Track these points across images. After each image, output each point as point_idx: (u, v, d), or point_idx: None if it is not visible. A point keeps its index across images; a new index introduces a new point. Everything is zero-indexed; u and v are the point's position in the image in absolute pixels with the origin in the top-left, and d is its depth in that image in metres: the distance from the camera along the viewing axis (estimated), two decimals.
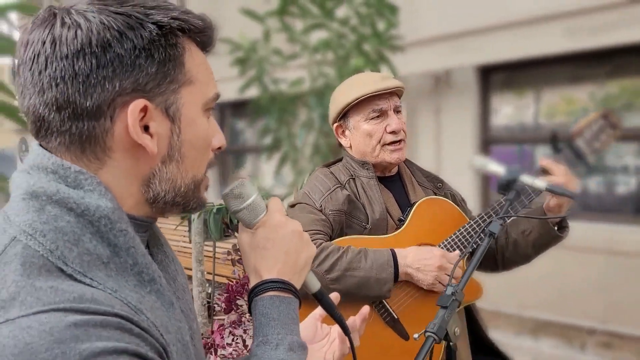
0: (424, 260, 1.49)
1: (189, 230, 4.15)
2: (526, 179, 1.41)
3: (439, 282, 1.50)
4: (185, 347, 0.69)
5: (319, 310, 1.08)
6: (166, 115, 0.67)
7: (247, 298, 0.81)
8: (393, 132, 1.58)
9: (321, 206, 1.53)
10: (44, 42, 0.61)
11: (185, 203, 0.72)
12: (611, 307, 4.61)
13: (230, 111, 7.95)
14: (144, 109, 0.64)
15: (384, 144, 1.58)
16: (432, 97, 5.78)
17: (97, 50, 0.61)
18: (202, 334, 3.21)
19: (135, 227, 0.67)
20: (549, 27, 4.62)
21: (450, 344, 1.12)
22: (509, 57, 5.00)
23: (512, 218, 1.62)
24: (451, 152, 5.47)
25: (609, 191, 5.22)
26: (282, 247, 0.79)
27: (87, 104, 0.62)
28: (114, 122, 0.64)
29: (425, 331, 1.04)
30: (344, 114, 1.62)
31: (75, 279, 0.58)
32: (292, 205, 1.61)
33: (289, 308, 0.77)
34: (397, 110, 1.61)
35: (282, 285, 0.77)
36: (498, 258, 1.71)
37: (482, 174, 1.57)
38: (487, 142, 5.64)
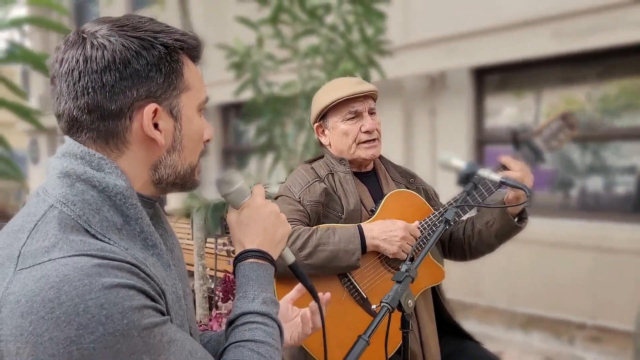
0: (389, 232, 1.63)
1: (192, 227, 4.32)
2: (483, 172, 1.55)
3: (403, 251, 1.64)
4: (178, 299, 0.87)
5: (291, 294, 1.28)
6: (171, 115, 0.86)
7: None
8: (367, 132, 1.72)
9: (300, 198, 1.69)
10: (78, 60, 0.80)
11: (182, 184, 0.92)
12: (600, 302, 4.71)
13: (233, 112, 8.13)
14: (155, 111, 0.83)
15: (359, 142, 1.73)
16: (427, 99, 5.89)
17: (120, 66, 0.80)
18: (200, 321, 3.38)
19: (142, 203, 0.86)
20: (538, 30, 4.72)
21: (405, 314, 1.27)
22: (502, 59, 5.11)
23: (472, 207, 1.74)
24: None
25: (605, 191, 5.30)
26: (261, 223, 0.99)
27: (112, 108, 0.81)
28: (132, 121, 0.83)
29: (381, 302, 1.18)
30: (323, 115, 1.77)
31: (97, 238, 0.77)
32: (276, 197, 1.77)
33: (266, 272, 0.97)
34: (371, 112, 1.75)
35: (261, 254, 0.97)
36: (465, 247, 1.85)
37: (447, 168, 1.69)
38: (482, 142, 5.75)
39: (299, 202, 1.69)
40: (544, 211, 5.15)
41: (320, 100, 1.76)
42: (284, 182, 1.84)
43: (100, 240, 0.77)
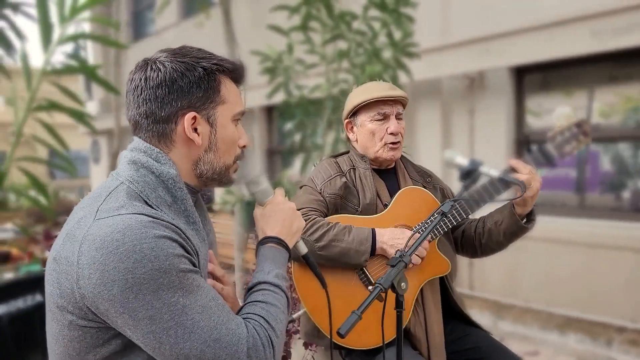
0: (396, 239, 1.77)
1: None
2: (483, 168, 1.65)
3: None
4: (206, 268, 1.12)
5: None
6: (207, 122, 1.11)
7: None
8: (392, 134, 1.87)
9: (321, 189, 1.85)
10: (141, 79, 1.08)
11: (219, 179, 1.16)
12: None
13: (277, 114, 8.36)
14: (194, 118, 1.08)
15: (385, 143, 1.88)
16: (466, 99, 5.87)
17: (169, 84, 1.06)
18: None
19: (188, 190, 1.11)
20: (576, 29, 4.65)
21: (398, 295, 1.38)
22: (542, 57, 5.05)
23: (476, 205, 1.81)
24: (484, 153, 5.52)
25: None
26: (281, 216, 1.23)
27: (162, 114, 1.07)
28: (176, 125, 1.08)
29: (376, 283, 1.31)
30: (354, 112, 1.94)
31: (152, 208, 1.03)
32: (301, 187, 1.95)
33: (281, 255, 1.19)
34: (398, 117, 1.90)
35: (278, 241, 1.20)
36: (476, 244, 1.95)
37: (451, 165, 1.77)
38: (522, 143, 5.65)
39: (320, 193, 1.85)
40: (585, 212, 5.07)
41: (353, 99, 1.93)
42: (308, 175, 2.01)
43: (155, 209, 1.03)
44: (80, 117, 2.02)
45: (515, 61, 5.25)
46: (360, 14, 3.37)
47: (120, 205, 1.00)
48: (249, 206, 3.33)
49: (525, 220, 1.82)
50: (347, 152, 2.01)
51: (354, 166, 1.92)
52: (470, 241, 1.98)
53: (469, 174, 1.66)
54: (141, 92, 1.07)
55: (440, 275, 1.90)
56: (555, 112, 5.95)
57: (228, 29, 3.82)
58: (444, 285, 1.94)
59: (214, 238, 1.28)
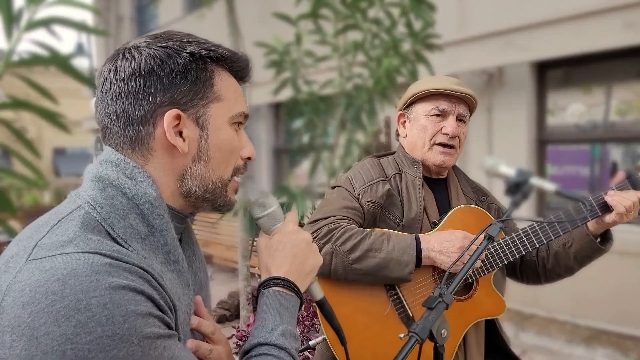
0: (445, 242, 1.47)
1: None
2: (535, 181, 1.37)
3: (462, 263, 1.48)
4: (188, 325, 0.85)
5: None
6: (196, 124, 0.84)
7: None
8: (447, 135, 1.58)
9: (359, 194, 1.55)
10: (110, 71, 0.83)
11: (213, 200, 0.89)
12: None
13: (285, 111, 8.12)
14: (178, 117, 0.82)
15: (435, 143, 1.59)
16: (484, 95, 5.61)
17: (144, 74, 0.81)
18: (238, 327, 3.33)
19: (171, 216, 0.85)
20: (607, 21, 4.38)
21: (437, 345, 1.12)
22: (567, 52, 4.78)
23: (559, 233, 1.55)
24: (503, 152, 5.29)
25: None
26: (291, 250, 0.94)
27: (136, 114, 0.82)
28: (155, 128, 0.83)
29: (409, 331, 1.04)
30: (410, 104, 1.65)
31: (117, 242, 0.77)
32: (333, 187, 1.64)
33: (289, 303, 0.91)
34: (460, 119, 1.60)
35: (287, 284, 0.92)
36: (539, 271, 1.67)
37: (493, 176, 1.50)
38: (543, 142, 5.42)
39: (357, 198, 1.55)
40: None
41: (412, 89, 1.64)
42: (344, 174, 1.71)
43: (120, 245, 0.77)
44: (51, 117, 1.78)
45: (539, 55, 4.99)
46: (377, 0, 3.06)
47: (68, 239, 0.74)
48: None
49: (599, 239, 1.54)
50: (393, 153, 1.71)
51: (400, 171, 1.62)
52: (532, 267, 1.68)
53: (518, 187, 1.38)
54: (110, 86, 0.83)
55: (493, 317, 1.60)
56: (568, 109, 5.69)
57: (231, 20, 3.52)
58: (490, 327, 1.65)
59: (206, 278, 0.98)
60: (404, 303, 1.51)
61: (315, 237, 1.47)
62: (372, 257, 1.44)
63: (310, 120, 3.29)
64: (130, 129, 0.83)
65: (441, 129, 1.58)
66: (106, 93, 0.83)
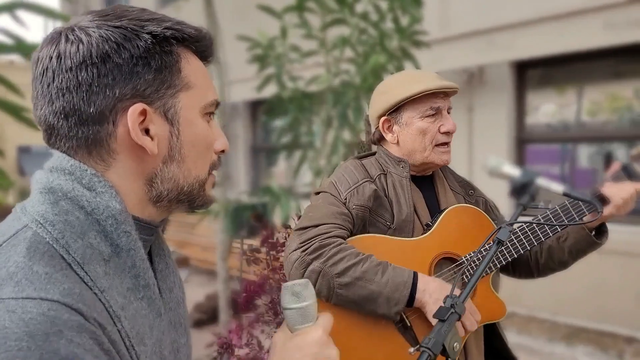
0: (445, 293, 1.35)
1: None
2: (542, 182, 1.31)
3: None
4: (162, 359, 0.72)
5: None
6: (165, 119, 0.71)
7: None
8: (446, 133, 1.51)
9: (345, 199, 1.47)
10: (51, 58, 0.68)
11: (190, 201, 0.77)
12: None
13: (267, 108, 8.01)
14: (143, 112, 0.69)
15: (436, 144, 1.52)
16: (464, 94, 5.62)
17: (97, 61, 0.67)
18: (219, 334, 3.22)
19: (139, 229, 0.72)
20: (587, 21, 4.42)
21: (449, 359, 1.04)
22: (546, 52, 4.82)
23: (555, 232, 1.51)
24: (483, 151, 5.31)
25: None
26: None
27: (91, 110, 0.68)
28: (116, 126, 0.69)
29: (420, 346, 0.96)
30: (397, 108, 1.54)
31: (72, 269, 0.63)
32: (317, 193, 1.56)
33: None
34: (449, 112, 1.54)
35: None
36: (532, 265, 1.62)
37: (497, 176, 1.43)
38: (523, 141, 5.46)
39: (344, 203, 1.46)
40: None
41: (395, 92, 1.53)
42: (327, 179, 1.62)
43: (76, 273, 0.63)
44: (16, 112, 1.64)
45: (521, 55, 5.02)
46: None
47: (8, 274, 0.60)
48: (236, 211, 2.95)
49: (594, 233, 1.50)
50: (374, 154, 1.62)
51: (384, 171, 1.54)
52: (524, 262, 1.62)
53: (524, 189, 1.32)
54: (53, 77, 0.68)
55: (494, 321, 1.53)
56: (541, 109, 5.75)
57: (209, 12, 3.39)
58: (490, 328, 1.57)
59: (182, 293, 0.84)
60: (402, 314, 1.43)
61: (304, 250, 1.38)
62: (361, 287, 1.36)
63: (295, 118, 3.19)
64: (84, 129, 0.68)
65: (439, 128, 1.51)
66: (48, 86, 0.68)
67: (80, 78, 0.67)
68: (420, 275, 1.39)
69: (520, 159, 5.50)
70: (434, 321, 1.36)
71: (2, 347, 0.53)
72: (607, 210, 1.44)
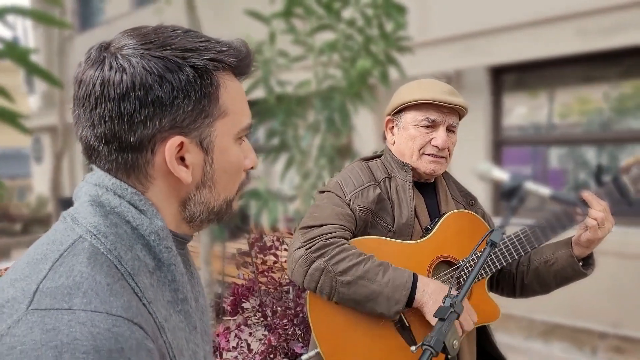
0: (443, 294, 1.39)
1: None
2: (530, 185, 1.36)
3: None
4: None
5: None
6: (200, 147, 0.74)
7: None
8: (436, 147, 1.55)
9: (350, 200, 1.51)
10: (95, 84, 0.69)
11: (218, 219, 0.82)
12: (623, 311, 4.54)
13: (254, 112, 7.95)
14: (180, 144, 0.72)
15: (424, 154, 1.56)
16: None
17: (140, 93, 0.69)
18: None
19: (175, 244, 0.76)
20: (560, 28, 4.56)
21: (449, 357, 1.09)
22: (520, 57, 4.94)
23: (548, 237, 1.55)
24: (462, 154, 5.35)
25: None
26: None
27: (131, 139, 0.70)
28: (154, 154, 0.72)
29: (422, 344, 1.01)
30: (400, 111, 1.59)
31: (125, 279, 0.67)
32: (322, 192, 1.59)
33: None
34: (450, 129, 1.56)
35: None
36: (516, 284, 1.66)
37: (486, 180, 1.49)
38: (499, 143, 5.58)
39: (348, 204, 1.51)
40: None
41: (403, 95, 1.58)
42: (333, 178, 1.65)
43: (128, 283, 0.67)
44: (11, 118, 1.61)
45: (497, 60, 5.15)
46: (352, 1, 3.03)
47: (74, 283, 0.62)
48: None
49: (582, 264, 1.56)
50: (380, 156, 1.67)
51: (389, 175, 1.58)
52: (509, 279, 1.68)
53: (513, 193, 1.37)
54: (97, 104, 0.69)
55: (488, 323, 1.60)
56: (513, 112, 5.90)
57: (192, 16, 3.39)
58: (481, 331, 1.64)
59: (206, 301, 0.90)
60: (401, 314, 1.48)
61: (307, 248, 1.42)
62: (363, 286, 1.40)
63: (283, 122, 3.21)
64: (124, 155, 0.71)
65: (431, 140, 1.55)
66: (91, 111, 0.70)
67: (122, 108, 0.69)
68: (419, 277, 1.44)
69: (497, 161, 5.62)
70: (432, 322, 1.43)
71: (72, 357, 0.57)
72: (584, 235, 1.48)
